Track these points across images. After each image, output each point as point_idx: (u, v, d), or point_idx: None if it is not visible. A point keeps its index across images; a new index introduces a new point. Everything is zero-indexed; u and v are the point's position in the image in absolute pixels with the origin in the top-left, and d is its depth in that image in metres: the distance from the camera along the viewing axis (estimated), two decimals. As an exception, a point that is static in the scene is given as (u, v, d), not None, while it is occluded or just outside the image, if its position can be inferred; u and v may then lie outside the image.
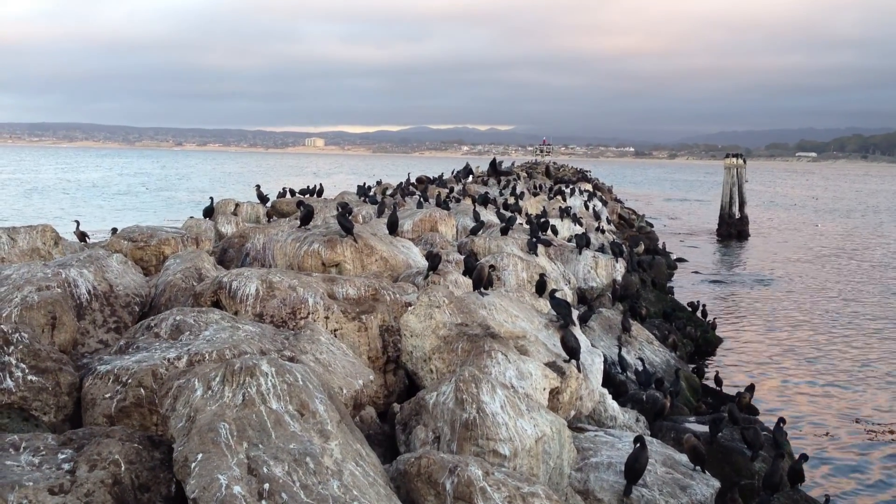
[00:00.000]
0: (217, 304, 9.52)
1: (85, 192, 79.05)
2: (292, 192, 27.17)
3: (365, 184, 30.23)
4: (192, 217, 20.96)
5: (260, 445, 5.47)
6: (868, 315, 27.02)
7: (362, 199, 24.55)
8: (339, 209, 13.94)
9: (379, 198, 24.40)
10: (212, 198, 22.53)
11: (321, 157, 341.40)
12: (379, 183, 35.32)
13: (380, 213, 19.18)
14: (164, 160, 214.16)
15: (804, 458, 10.32)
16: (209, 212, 21.18)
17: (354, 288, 10.31)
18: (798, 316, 26.62)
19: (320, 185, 28.51)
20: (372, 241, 12.78)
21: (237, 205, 23.35)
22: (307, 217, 13.66)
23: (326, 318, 9.51)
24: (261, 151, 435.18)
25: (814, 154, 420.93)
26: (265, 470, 5.25)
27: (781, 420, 11.59)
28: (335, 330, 9.47)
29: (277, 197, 26.70)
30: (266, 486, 5.13)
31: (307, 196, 26.72)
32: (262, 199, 25.25)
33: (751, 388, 14.50)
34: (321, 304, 9.59)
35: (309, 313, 9.43)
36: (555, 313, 11.44)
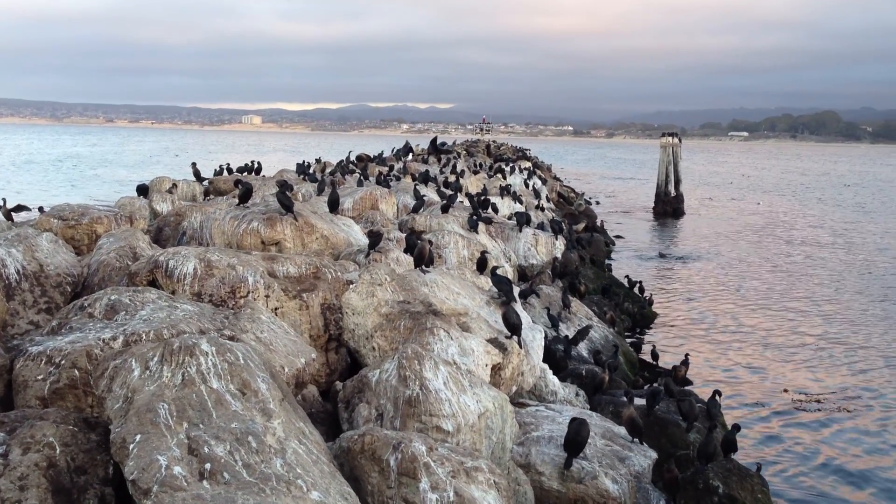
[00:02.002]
0: (153, 284, 9.32)
1: (7, 171, 76.19)
2: (230, 170, 26.72)
3: (304, 162, 29.88)
4: (125, 195, 20.41)
5: (200, 425, 5.39)
6: (797, 289, 27.95)
7: (302, 177, 24.26)
8: (279, 187, 13.75)
9: (319, 176, 24.16)
10: (141, 184, 21.88)
11: (259, 134, 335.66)
12: (318, 161, 34.94)
13: (320, 192, 18.99)
14: (94, 137, 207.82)
15: (737, 428, 10.64)
16: (143, 190, 20.67)
17: (295, 266, 10.20)
18: (731, 291, 27.37)
19: (258, 162, 28.09)
20: (312, 220, 12.65)
21: (173, 183, 22.83)
22: (246, 195, 13.43)
23: (267, 296, 9.39)
24: (196, 129, 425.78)
25: (745, 134, 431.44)
26: (206, 450, 5.17)
27: (717, 392, 11.93)
28: (276, 308, 9.36)
29: (214, 175, 26.23)
30: (207, 465, 5.06)
31: (245, 174, 26.31)
32: (199, 176, 24.77)
33: (686, 362, 14.88)
34: (261, 282, 9.46)
35: (249, 292, 9.30)
36: (496, 290, 11.53)
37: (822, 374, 17.85)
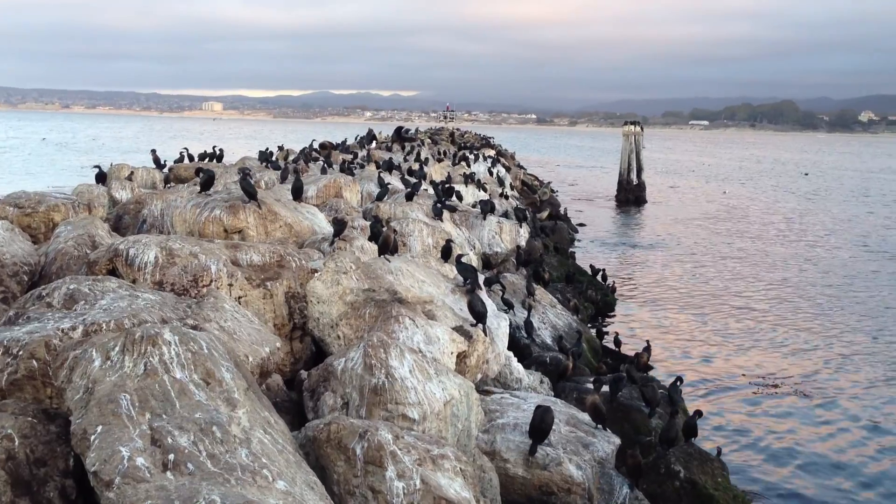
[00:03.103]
0: (113, 273, 9.16)
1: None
2: (191, 157, 26.32)
3: (267, 149, 29.54)
4: (82, 183, 19.99)
5: (164, 416, 5.31)
6: (755, 276, 28.43)
7: (264, 164, 23.99)
8: (241, 174, 13.59)
9: (282, 164, 23.91)
10: (99, 167, 21.42)
11: (220, 121, 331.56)
12: (281, 148, 34.58)
13: (283, 179, 18.81)
14: (50, 123, 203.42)
15: (698, 414, 10.81)
16: (101, 177, 20.28)
17: (259, 254, 10.11)
18: (692, 278, 27.75)
19: (220, 150, 27.71)
20: (276, 208, 12.54)
21: (132, 170, 22.42)
22: (208, 182, 13.26)
23: (230, 285, 9.29)
24: (155, 115, 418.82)
25: (706, 122, 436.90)
26: (170, 440, 5.11)
27: (679, 378, 12.10)
28: (239, 297, 9.27)
29: (175, 162, 25.81)
30: (171, 456, 5.00)
31: (206, 161, 25.95)
32: (159, 164, 24.38)
33: (647, 349, 15.05)
34: (224, 271, 9.35)
35: (212, 281, 9.19)
36: (461, 278, 11.55)
37: (779, 359, 18.20)
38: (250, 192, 12.18)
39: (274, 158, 26.48)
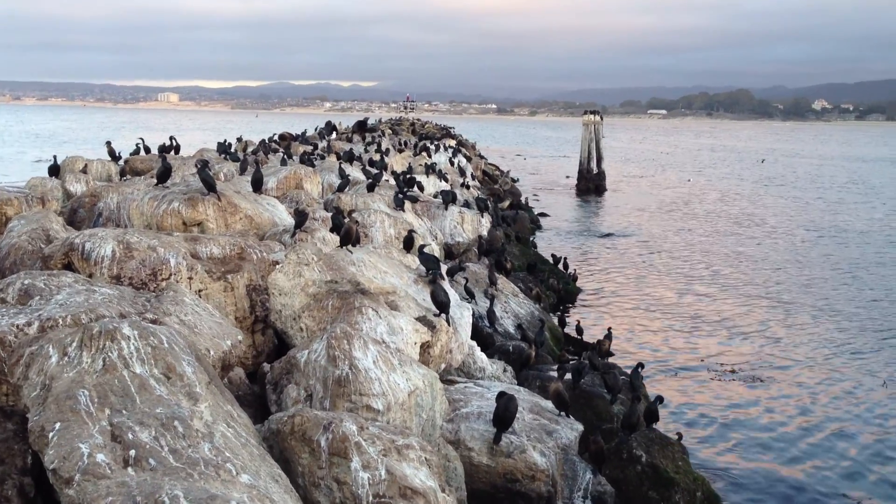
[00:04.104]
0: (69, 267, 8.99)
1: None
2: (147, 150, 25.87)
3: (225, 140, 29.18)
4: (35, 176, 19.55)
5: (124, 411, 5.25)
6: (713, 263, 28.88)
7: (223, 156, 23.70)
8: (200, 166, 13.40)
9: (241, 155, 23.65)
10: (55, 156, 21.04)
11: (176, 112, 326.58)
12: (240, 140, 34.20)
13: (242, 171, 18.62)
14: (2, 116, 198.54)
15: (659, 399, 10.97)
16: (55, 170, 19.84)
17: (219, 247, 10.00)
18: (651, 266, 28.10)
19: (177, 141, 27.26)
20: (236, 199, 12.41)
21: (86, 163, 22.00)
22: (164, 174, 13.06)
23: (190, 278, 9.18)
24: (109, 107, 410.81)
25: (664, 111, 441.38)
26: (130, 436, 5.05)
27: (640, 365, 12.26)
28: (200, 290, 9.16)
29: (131, 154, 25.37)
30: (132, 452, 4.94)
31: (163, 154, 25.54)
32: (114, 156, 23.94)
33: (609, 336, 15.21)
34: (184, 264, 9.24)
35: (171, 274, 9.07)
36: (424, 268, 11.55)
37: (737, 345, 18.53)
38: (210, 184, 12.03)
39: (233, 150, 26.17)
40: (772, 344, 18.64)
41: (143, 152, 25.53)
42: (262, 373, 8.22)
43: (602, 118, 55.29)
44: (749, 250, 31.96)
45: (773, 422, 13.99)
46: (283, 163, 20.66)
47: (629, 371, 12.29)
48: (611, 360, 14.96)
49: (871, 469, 12.27)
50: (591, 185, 53.64)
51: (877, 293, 24.58)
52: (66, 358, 5.61)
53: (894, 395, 15.40)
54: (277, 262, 9.93)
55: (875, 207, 48.82)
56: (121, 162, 24.05)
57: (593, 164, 54.27)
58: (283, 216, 13.39)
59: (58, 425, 4.99)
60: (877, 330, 20.22)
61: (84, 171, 20.87)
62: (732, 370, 16.53)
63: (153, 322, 6.91)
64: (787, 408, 14.67)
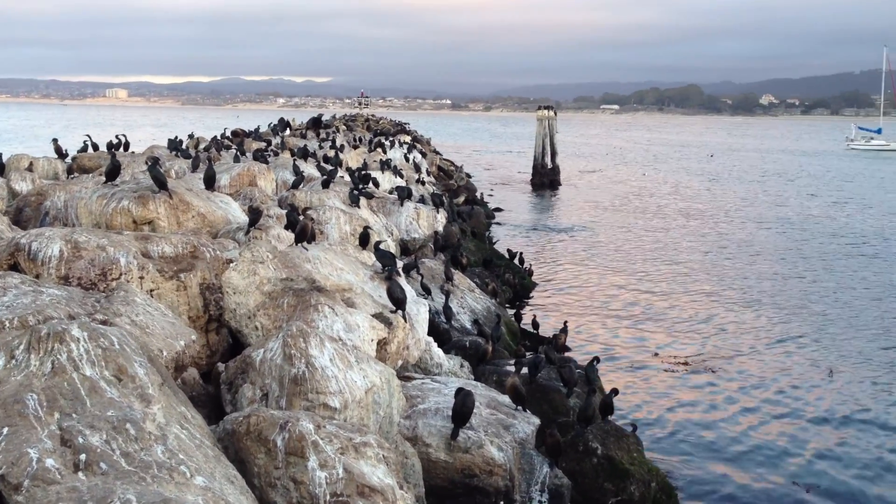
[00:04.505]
0: (14, 268, 8.77)
1: None
2: (95, 147, 25.34)
3: (176, 137, 28.69)
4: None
5: (74, 415, 5.14)
6: (666, 257, 29.31)
7: (174, 153, 23.31)
8: (151, 163, 13.17)
9: (192, 152, 23.28)
10: (0, 154, 20.50)
11: (125, 108, 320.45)
12: (191, 136, 33.67)
13: (194, 168, 18.34)
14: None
15: (615, 392, 11.10)
16: (-1, 168, 19.34)
17: (171, 246, 9.83)
18: (605, 260, 28.42)
19: (126, 138, 26.74)
20: (188, 197, 12.22)
21: (31, 161, 21.46)
22: (113, 172, 12.81)
23: (141, 278, 9.02)
24: (55, 103, 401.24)
25: (616, 107, 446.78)
26: (80, 440, 4.94)
27: (595, 358, 12.39)
28: (151, 290, 9.01)
29: (79, 152, 24.83)
30: (83, 456, 4.84)
31: (112, 151, 25.04)
32: (61, 154, 23.41)
33: (565, 330, 15.35)
34: (135, 263, 9.07)
35: (121, 274, 8.90)
36: (380, 265, 11.52)
37: (689, 338, 18.84)
38: (161, 181, 11.83)
39: (184, 147, 25.75)
40: (722, 335, 19.00)
41: (90, 149, 25.02)
42: (216, 373, 8.12)
43: (556, 113, 55.73)
44: (700, 243, 32.53)
45: (725, 412, 14.26)
46: (237, 160, 20.42)
47: (585, 364, 12.42)
48: (567, 354, 15.10)
49: (819, 454, 12.59)
50: (545, 179, 54.01)
51: (820, 283, 25.21)
52: (13, 361, 5.47)
53: (838, 383, 15.82)
54: (231, 261, 9.81)
55: (816, 199, 50.05)
56: (68, 159, 23.53)
57: (547, 160, 54.67)
58: (237, 214, 13.24)
59: (5, 430, 4.87)
60: (822, 317, 20.76)
61: (29, 169, 20.37)
62: (685, 362, 16.81)
63: (103, 323, 6.77)
64: (738, 398, 14.97)
